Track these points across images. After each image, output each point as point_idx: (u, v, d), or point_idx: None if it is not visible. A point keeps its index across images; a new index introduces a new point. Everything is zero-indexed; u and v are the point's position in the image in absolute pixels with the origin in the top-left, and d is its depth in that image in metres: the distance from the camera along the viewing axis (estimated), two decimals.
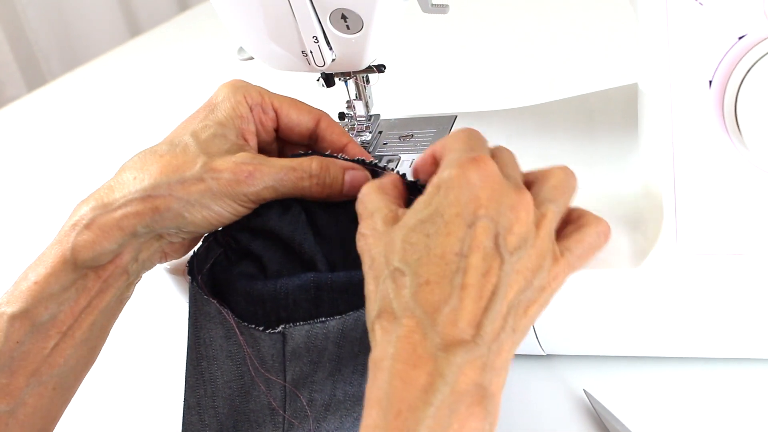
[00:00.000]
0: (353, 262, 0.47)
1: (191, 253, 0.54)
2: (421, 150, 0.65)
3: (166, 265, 0.58)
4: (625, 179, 0.57)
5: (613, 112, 0.65)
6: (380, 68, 0.62)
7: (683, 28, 0.47)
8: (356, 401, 0.51)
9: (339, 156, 0.54)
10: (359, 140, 0.67)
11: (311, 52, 0.59)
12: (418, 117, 0.71)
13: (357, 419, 0.50)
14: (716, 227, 0.50)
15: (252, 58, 0.64)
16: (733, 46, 0.46)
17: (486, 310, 0.41)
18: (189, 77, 1.25)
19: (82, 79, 1.38)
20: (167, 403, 0.62)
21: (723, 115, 0.48)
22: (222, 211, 0.51)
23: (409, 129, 0.69)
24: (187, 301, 0.52)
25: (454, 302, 0.41)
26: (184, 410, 0.51)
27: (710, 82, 0.47)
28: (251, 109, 0.54)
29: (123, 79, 1.34)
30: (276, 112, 0.55)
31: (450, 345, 0.40)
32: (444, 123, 0.69)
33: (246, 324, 0.51)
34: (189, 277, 0.52)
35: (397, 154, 0.66)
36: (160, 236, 0.52)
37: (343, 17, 0.57)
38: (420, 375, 0.39)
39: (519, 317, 0.43)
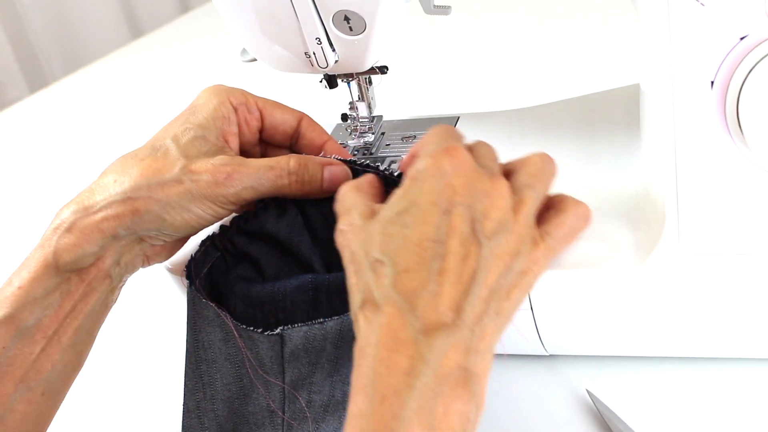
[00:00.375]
0: None
1: (189, 256, 0.54)
2: None
3: (168, 264, 0.58)
4: (627, 179, 0.57)
5: (614, 113, 0.65)
6: (383, 69, 0.63)
7: (685, 29, 0.47)
8: None
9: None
10: (362, 141, 0.67)
11: (314, 53, 0.59)
12: (421, 118, 0.71)
13: None
14: (718, 227, 0.50)
15: (255, 60, 0.64)
16: (735, 46, 0.46)
17: (465, 293, 0.41)
18: (191, 79, 1.25)
19: (83, 81, 1.39)
20: (167, 407, 0.62)
21: (725, 115, 0.48)
22: (202, 213, 0.51)
23: (411, 130, 0.69)
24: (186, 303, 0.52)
25: (433, 287, 0.41)
26: (183, 414, 0.51)
27: (712, 82, 0.47)
28: (236, 109, 0.55)
29: (124, 80, 1.34)
30: (260, 111, 0.56)
31: (430, 329, 0.40)
32: (446, 124, 0.69)
33: (244, 326, 0.51)
34: (187, 281, 0.52)
35: (399, 155, 0.66)
36: (141, 239, 0.52)
37: (346, 19, 0.57)
38: (402, 359, 0.39)
39: (501, 300, 0.43)
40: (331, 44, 0.59)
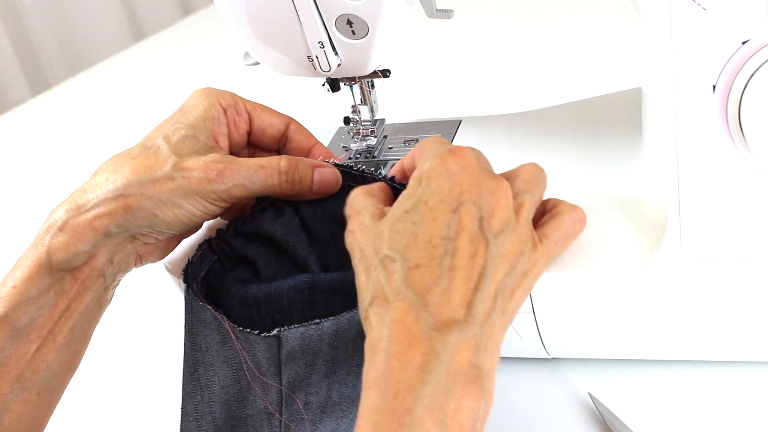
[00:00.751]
0: (347, 263, 0.48)
1: (187, 260, 0.54)
2: None
3: (167, 264, 0.58)
4: (629, 183, 0.57)
5: (616, 117, 0.65)
6: (385, 73, 0.63)
7: (687, 33, 0.47)
8: (352, 402, 0.51)
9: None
10: (364, 145, 0.67)
11: (317, 57, 0.59)
12: (423, 121, 0.71)
13: (353, 421, 0.51)
14: (720, 231, 0.50)
15: (257, 63, 0.64)
16: (736, 51, 0.46)
17: (476, 290, 0.42)
18: (193, 82, 1.25)
19: (85, 84, 1.39)
20: (165, 410, 0.63)
21: (726, 119, 0.48)
22: (193, 210, 0.52)
23: (413, 133, 0.69)
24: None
25: (445, 283, 0.42)
26: (181, 417, 0.51)
27: (714, 86, 0.47)
28: (225, 111, 0.55)
29: (127, 83, 1.34)
30: (249, 114, 0.57)
31: (443, 325, 0.41)
32: (448, 127, 0.69)
33: (241, 328, 0.51)
34: (184, 285, 0.53)
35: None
36: (133, 237, 0.53)
37: (349, 23, 0.57)
38: (416, 355, 0.40)
39: (506, 299, 0.44)
40: (333, 48, 0.59)
